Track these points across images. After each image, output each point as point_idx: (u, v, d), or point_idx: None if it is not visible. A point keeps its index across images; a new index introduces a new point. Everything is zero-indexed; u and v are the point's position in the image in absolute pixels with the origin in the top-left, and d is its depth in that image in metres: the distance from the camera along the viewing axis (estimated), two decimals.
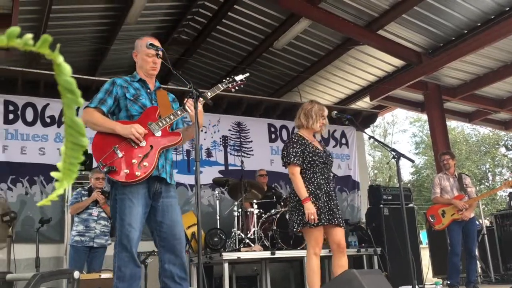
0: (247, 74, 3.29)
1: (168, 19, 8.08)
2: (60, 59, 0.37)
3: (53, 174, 0.43)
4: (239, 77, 3.21)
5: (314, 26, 7.54)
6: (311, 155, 3.68)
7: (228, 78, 3.22)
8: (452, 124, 22.31)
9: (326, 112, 3.88)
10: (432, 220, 5.98)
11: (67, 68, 0.38)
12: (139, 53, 3.00)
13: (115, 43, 7.97)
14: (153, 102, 2.95)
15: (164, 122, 2.85)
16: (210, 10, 7.93)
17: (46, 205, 6.39)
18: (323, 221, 3.54)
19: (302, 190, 3.59)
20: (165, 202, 2.85)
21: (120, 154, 2.70)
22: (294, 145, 3.72)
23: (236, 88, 3.25)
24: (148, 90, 2.98)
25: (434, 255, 7.39)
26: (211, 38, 8.55)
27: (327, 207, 3.60)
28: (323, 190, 3.64)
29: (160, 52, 2.94)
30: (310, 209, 3.51)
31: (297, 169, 3.66)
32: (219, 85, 3.13)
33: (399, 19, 6.94)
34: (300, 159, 3.67)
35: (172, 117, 2.89)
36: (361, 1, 6.80)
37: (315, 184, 3.63)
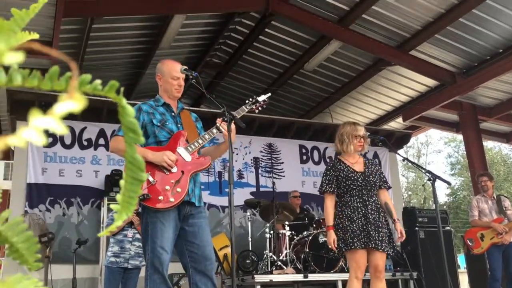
0: (269, 94, 3.31)
1: (201, 43, 8.26)
2: (124, 101, 0.40)
3: (112, 206, 0.46)
4: (261, 98, 3.25)
5: (344, 47, 7.56)
6: (344, 179, 3.64)
7: (251, 99, 3.24)
8: (489, 144, 21.73)
9: (359, 131, 3.78)
10: (470, 244, 5.80)
11: (130, 110, 0.40)
12: (164, 76, 3.03)
13: (150, 68, 8.19)
14: (179, 125, 2.99)
15: (193, 147, 2.89)
16: (242, 34, 8.07)
17: (83, 225, 6.54)
18: (356, 245, 3.48)
19: (328, 218, 3.63)
20: (196, 223, 2.88)
21: (153, 181, 2.75)
22: (328, 172, 3.73)
23: (260, 108, 3.27)
24: (173, 114, 3.02)
25: (473, 280, 7.12)
26: (242, 61, 8.68)
27: (365, 231, 3.53)
28: (360, 213, 3.57)
29: (195, 77, 2.99)
30: (329, 237, 3.56)
31: (329, 197, 3.67)
32: (243, 107, 3.16)
33: (432, 39, 6.89)
34: (333, 185, 3.66)
35: (200, 141, 2.93)
36: (392, 22, 6.80)
37: (351, 208, 3.59)
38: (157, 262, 2.71)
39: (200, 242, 2.84)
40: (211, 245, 2.94)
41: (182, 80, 3.02)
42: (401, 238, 3.62)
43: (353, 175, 3.66)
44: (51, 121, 0.29)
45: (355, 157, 3.77)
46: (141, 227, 2.97)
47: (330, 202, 3.66)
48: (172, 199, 2.74)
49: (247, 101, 3.24)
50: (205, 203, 7.68)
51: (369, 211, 3.58)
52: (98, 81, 0.37)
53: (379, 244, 3.50)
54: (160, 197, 2.72)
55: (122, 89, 0.41)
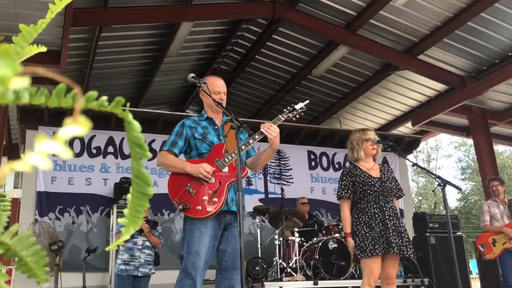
0: (307, 101, 3.35)
1: (208, 50, 8.29)
2: (130, 117, 0.40)
3: (120, 220, 0.46)
4: (299, 106, 3.30)
5: (352, 52, 7.55)
6: (361, 185, 3.60)
7: (288, 108, 3.29)
8: (500, 148, 21.54)
9: (369, 135, 3.76)
10: (482, 249, 5.74)
11: (136, 125, 0.40)
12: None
13: (158, 75, 8.23)
14: (221, 137, 3.10)
15: (230, 158, 3.00)
16: (249, 41, 8.09)
17: (92, 234, 6.56)
18: (377, 251, 3.44)
19: (346, 225, 3.60)
20: (232, 231, 2.99)
21: (192, 192, 2.88)
22: (344, 177, 3.69)
23: (297, 116, 3.31)
24: (216, 127, 3.13)
25: (486, 286, 7.04)
26: (250, 68, 8.69)
27: (384, 237, 3.50)
28: (378, 219, 3.53)
29: (203, 85, 3.04)
30: (349, 245, 3.56)
31: (345, 203, 3.63)
32: (280, 116, 3.20)
33: (440, 43, 6.86)
34: (349, 191, 3.63)
35: (236, 152, 2.98)
36: (399, 26, 6.78)
37: (369, 214, 3.55)
38: (190, 266, 2.79)
39: (232, 251, 2.95)
40: (239, 255, 2.99)
41: (223, 94, 3.14)
42: None
43: (370, 180, 3.61)
44: (56, 145, 0.29)
45: (371, 163, 3.73)
46: (182, 235, 3.07)
47: (347, 208, 3.63)
48: (209, 209, 2.86)
49: (284, 110, 3.30)
50: None
51: (387, 217, 3.54)
52: (104, 98, 0.38)
53: (404, 250, 3.46)
54: (198, 207, 2.85)
55: (128, 104, 0.41)
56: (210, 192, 2.90)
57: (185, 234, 2.91)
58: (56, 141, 0.30)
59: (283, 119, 3.18)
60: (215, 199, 2.89)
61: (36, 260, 0.42)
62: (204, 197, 2.88)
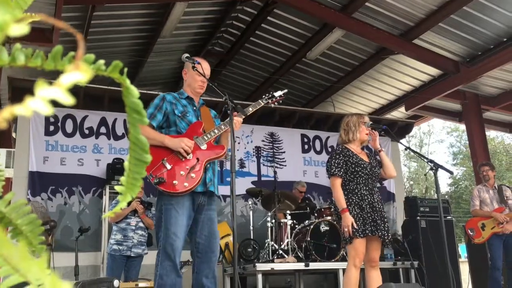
0: (286, 90, 3.46)
1: (203, 31, 8.21)
2: (128, 82, 0.39)
3: (117, 188, 0.46)
4: (278, 93, 3.36)
5: (347, 36, 7.51)
6: (354, 166, 3.64)
7: (267, 94, 3.36)
8: (492, 134, 21.68)
9: (366, 119, 3.85)
10: (471, 234, 5.82)
11: (134, 90, 0.40)
12: (189, 72, 3.14)
13: (151, 56, 8.15)
14: (199, 118, 3.10)
15: (209, 136, 2.99)
16: (244, 22, 8.02)
17: (84, 214, 6.56)
18: (366, 231, 3.49)
19: (341, 201, 3.58)
20: (207, 214, 2.97)
21: (168, 166, 2.83)
22: (337, 156, 3.71)
23: (275, 103, 3.35)
24: (194, 108, 3.12)
25: (474, 269, 7.15)
26: (244, 50, 8.63)
27: (371, 218, 3.55)
28: (366, 201, 3.59)
29: (197, 65, 3.03)
30: (347, 221, 3.50)
31: (338, 181, 3.64)
32: (259, 101, 3.28)
33: (436, 27, 6.83)
34: (342, 170, 3.65)
35: (216, 131, 3.03)
36: (395, 10, 6.74)
37: (359, 195, 3.60)
38: (170, 248, 2.78)
39: (208, 234, 2.94)
40: (218, 238, 3.02)
41: (204, 78, 3.11)
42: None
43: (362, 162, 3.67)
44: (57, 91, 0.28)
45: (359, 149, 3.80)
46: (155, 213, 3.04)
47: (339, 185, 3.64)
48: (186, 184, 2.82)
49: (263, 96, 3.36)
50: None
51: (375, 200, 3.61)
52: (101, 61, 0.37)
53: (385, 234, 3.53)
54: (175, 182, 2.81)
55: (125, 69, 0.40)
56: (187, 167, 2.86)
57: (162, 214, 2.85)
58: (58, 87, 0.29)
59: (262, 104, 3.26)
60: (193, 175, 2.85)
61: (31, 229, 0.42)
62: (181, 172, 2.83)
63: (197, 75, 3.07)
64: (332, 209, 3.96)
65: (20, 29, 0.28)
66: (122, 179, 0.44)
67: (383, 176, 3.83)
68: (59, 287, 0.30)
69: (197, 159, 2.91)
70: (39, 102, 0.27)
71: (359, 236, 3.47)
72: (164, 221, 2.82)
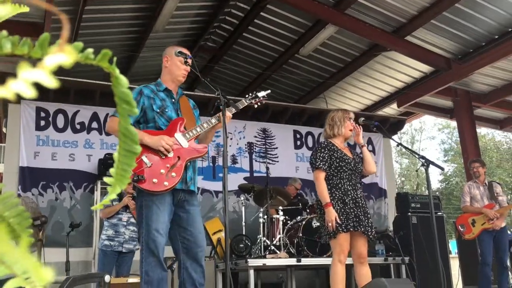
0: (269, 91, 3.42)
1: (195, 26, 8.18)
2: (117, 71, 0.39)
3: (106, 179, 0.45)
4: (261, 94, 3.32)
5: (340, 32, 7.52)
6: (338, 160, 3.65)
7: (251, 94, 3.31)
8: (482, 131, 21.84)
9: (351, 115, 3.85)
10: (461, 230, 5.86)
11: (123, 80, 0.39)
12: (171, 59, 3.04)
13: (143, 51, 8.11)
14: (179, 112, 3.01)
15: (191, 134, 2.92)
16: (237, 18, 8.00)
17: (76, 210, 6.53)
18: (349, 227, 3.50)
19: (325, 195, 3.58)
20: (190, 210, 2.92)
21: (148, 164, 2.76)
22: (322, 150, 3.71)
23: (259, 104, 3.32)
24: (173, 100, 3.03)
25: (464, 265, 7.22)
26: (237, 45, 8.61)
27: (353, 213, 3.57)
28: (349, 196, 3.60)
29: (189, 60, 2.99)
30: (330, 215, 3.50)
31: (322, 174, 3.64)
32: (243, 100, 3.23)
33: (428, 24, 6.85)
34: (327, 164, 3.65)
35: (198, 129, 2.96)
36: (388, 7, 6.75)
37: (342, 190, 3.61)
38: (153, 245, 2.73)
39: (194, 229, 2.89)
40: (203, 233, 3.00)
41: (188, 66, 3.04)
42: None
43: (346, 158, 3.68)
44: (41, 73, 0.28)
45: (343, 144, 3.81)
46: (136, 210, 2.99)
47: (323, 179, 3.64)
48: (166, 183, 2.76)
49: (246, 96, 3.31)
50: (198, 188, 7.66)
51: (358, 195, 3.63)
52: (90, 50, 0.36)
53: (369, 230, 3.55)
54: (154, 180, 2.74)
55: (115, 58, 0.39)
56: (168, 166, 2.78)
57: (142, 210, 2.79)
58: (42, 69, 0.28)
59: (246, 103, 3.22)
60: (173, 174, 2.78)
61: (19, 221, 0.41)
62: (161, 170, 2.76)
63: (181, 63, 2.98)
64: (315, 203, 3.97)
65: (4, 10, 0.28)
66: (112, 170, 0.43)
67: (363, 172, 3.83)
68: (43, 276, 0.29)
69: (178, 157, 2.84)
70: (22, 85, 0.27)
71: (342, 231, 3.48)
72: (145, 218, 2.77)
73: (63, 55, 0.30)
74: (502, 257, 5.63)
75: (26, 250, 0.32)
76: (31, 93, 0.28)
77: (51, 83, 0.28)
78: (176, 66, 3.01)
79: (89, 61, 0.36)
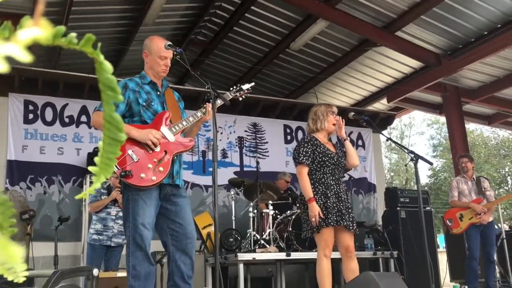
0: (253, 84, 3.38)
1: (185, 20, 8.13)
2: (102, 57, 0.38)
3: (90, 168, 0.44)
4: (245, 86, 3.29)
5: (331, 27, 7.52)
6: (321, 155, 3.65)
7: (235, 87, 3.28)
8: (471, 126, 22.04)
9: (335, 109, 3.85)
10: (449, 224, 5.91)
11: (108, 66, 0.38)
12: (151, 54, 3.00)
13: (133, 44, 8.04)
14: (165, 105, 2.97)
15: (177, 128, 2.89)
16: (227, 12, 7.96)
17: (64, 204, 6.48)
18: (329, 221, 3.51)
19: (308, 190, 3.58)
20: (179, 202, 2.90)
21: (135, 158, 2.73)
22: (305, 144, 3.71)
23: (243, 97, 3.30)
24: (158, 93, 2.99)
25: (452, 259, 7.29)
26: (228, 39, 8.58)
27: (336, 208, 3.58)
28: (332, 191, 3.61)
29: (174, 52, 2.96)
30: (314, 210, 3.50)
31: (305, 169, 3.65)
32: (227, 93, 3.19)
33: (418, 20, 6.88)
34: (310, 159, 3.65)
35: (184, 123, 2.93)
36: (379, 2, 6.76)
37: (325, 185, 3.61)
38: (139, 239, 2.71)
39: (182, 221, 2.87)
40: (193, 224, 2.98)
41: (169, 60, 2.99)
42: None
43: (329, 152, 3.69)
44: (15, 48, 0.27)
45: (326, 139, 3.81)
46: (122, 204, 2.96)
47: (306, 174, 3.64)
48: (154, 178, 2.73)
49: (231, 89, 3.27)
50: (188, 182, 7.63)
51: (341, 190, 3.64)
52: (73, 34, 0.35)
53: (350, 225, 3.56)
54: (142, 175, 2.71)
55: (99, 44, 0.39)
56: (155, 160, 2.76)
57: (129, 204, 2.76)
58: (15, 43, 0.28)
59: (230, 96, 3.19)
60: (161, 169, 2.75)
61: (2, 210, 0.40)
62: (149, 165, 2.73)
63: (161, 59, 2.94)
64: (298, 199, 3.97)
65: None
66: (96, 159, 0.42)
67: (346, 166, 3.84)
68: (10, 250, 0.28)
69: (165, 151, 2.81)
70: None
71: (325, 226, 3.50)
72: (131, 212, 2.74)
73: (37, 29, 0.30)
74: (489, 251, 5.69)
75: (7, 240, 0.31)
76: (3, 67, 0.27)
77: (24, 57, 0.27)
78: (156, 63, 2.97)
79: (72, 46, 0.36)
